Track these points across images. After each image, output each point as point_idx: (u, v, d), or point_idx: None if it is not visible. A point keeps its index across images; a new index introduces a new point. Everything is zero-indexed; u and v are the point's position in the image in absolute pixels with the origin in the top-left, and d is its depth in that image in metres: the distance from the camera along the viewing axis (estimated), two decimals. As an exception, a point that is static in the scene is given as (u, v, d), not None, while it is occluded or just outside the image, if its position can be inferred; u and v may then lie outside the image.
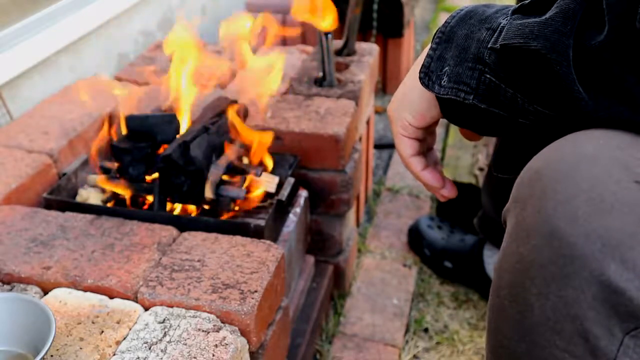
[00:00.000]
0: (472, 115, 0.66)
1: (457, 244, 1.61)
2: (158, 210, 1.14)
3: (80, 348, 0.84)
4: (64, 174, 1.22)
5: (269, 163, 1.26)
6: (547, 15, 0.56)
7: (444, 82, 0.65)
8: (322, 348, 1.39)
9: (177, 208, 1.17)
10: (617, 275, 0.47)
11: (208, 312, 0.90)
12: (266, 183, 1.22)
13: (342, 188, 1.38)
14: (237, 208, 1.18)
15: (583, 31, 0.54)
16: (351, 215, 1.52)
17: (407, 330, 1.46)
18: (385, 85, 2.51)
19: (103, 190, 1.21)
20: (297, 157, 1.32)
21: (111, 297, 0.93)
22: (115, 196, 1.20)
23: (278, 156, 1.32)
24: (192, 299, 0.91)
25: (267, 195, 1.22)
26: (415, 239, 1.68)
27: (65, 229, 1.05)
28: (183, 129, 1.26)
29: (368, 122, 1.71)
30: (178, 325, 0.87)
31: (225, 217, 1.16)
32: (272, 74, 1.41)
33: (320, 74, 1.50)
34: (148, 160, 1.19)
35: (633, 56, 0.52)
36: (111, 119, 1.39)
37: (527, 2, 0.60)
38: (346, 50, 1.64)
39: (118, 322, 0.88)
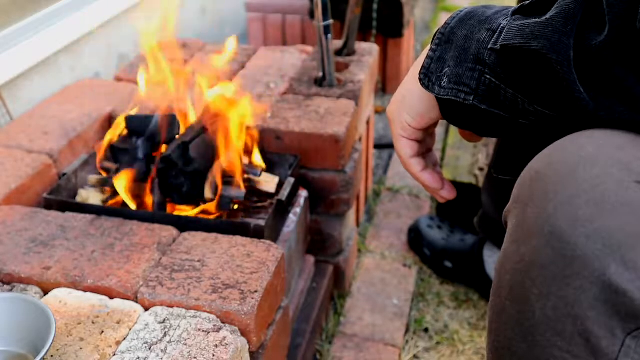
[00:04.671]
0: (472, 116, 0.66)
1: (457, 244, 1.61)
2: (158, 210, 1.14)
3: (80, 348, 0.84)
4: (64, 174, 1.22)
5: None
6: (548, 16, 0.56)
7: (444, 83, 0.65)
8: (322, 348, 1.39)
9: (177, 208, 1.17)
10: (618, 275, 0.47)
11: (208, 312, 0.90)
12: (266, 183, 1.22)
13: (342, 188, 1.38)
14: (236, 207, 1.18)
15: (583, 31, 0.54)
16: (351, 215, 1.52)
17: (407, 330, 1.46)
18: (385, 85, 2.51)
19: (103, 191, 1.21)
20: (297, 157, 1.32)
21: (111, 297, 0.93)
22: (115, 196, 1.20)
23: (278, 156, 1.32)
24: (192, 299, 0.91)
25: (267, 195, 1.22)
26: (415, 239, 1.68)
27: (65, 229, 1.05)
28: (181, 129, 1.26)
29: (368, 122, 1.71)
30: (178, 326, 0.87)
31: (225, 217, 1.16)
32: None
33: (320, 74, 1.50)
34: (148, 161, 1.19)
35: (634, 56, 0.52)
36: (111, 119, 1.39)
37: (527, 2, 0.60)
38: (346, 50, 1.64)
39: (118, 322, 0.88)
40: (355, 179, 1.43)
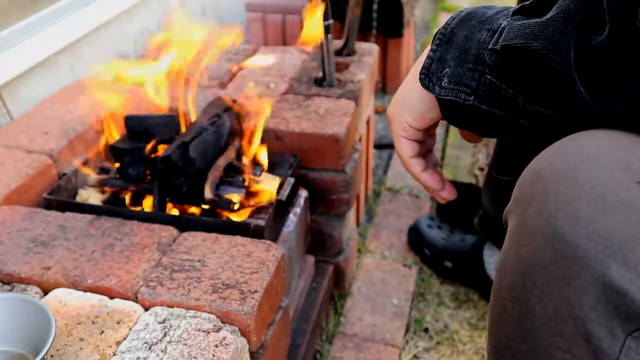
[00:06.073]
0: (472, 116, 0.66)
1: (457, 244, 1.61)
2: (158, 210, 1.14)
3: (80, 348, 0.84)
4: (64, 174, 1.22)
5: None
6: (548, 16, 0.56)
7: (445, 83, 0.65)
8: (322, 348, 1.39)
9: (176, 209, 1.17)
10: (619, 276, 0.47)
11: (208, 312, 0.90)
12: (266, 183, 1.22)
13: (342, 188, 1.38)
14: (236, 208, 1.18)
15: (584, 31, 0.54)
16: (351, 215, 1.52)
17: (407, 330, 1.46)
18: (385, 85, 2.51)
19: (103, 191, 1.21)
20: (297, 157, 1.32)
21: (111, 297, 0.93)
22: (115, 196, 1.20)
23: (278, 156, 1.32)
24: (192, 299, 0.91)
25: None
26: (415, 239, 1.68)
27: (65, 229, 1.05)
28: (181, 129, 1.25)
29: (368, 122, 1.70)
30: (178, 326, 0.87)
31: (225, 217, 1.15)
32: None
33: (320, 74, 1.50)
34: (147, 161, 1.19)
35: (634, 56, 0.52)
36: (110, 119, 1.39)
37: (527, 3, 0.60)
38: (346, 50, 1.64)
39: (118, 323, 0.88)
40: (355, 179, 1.43)
